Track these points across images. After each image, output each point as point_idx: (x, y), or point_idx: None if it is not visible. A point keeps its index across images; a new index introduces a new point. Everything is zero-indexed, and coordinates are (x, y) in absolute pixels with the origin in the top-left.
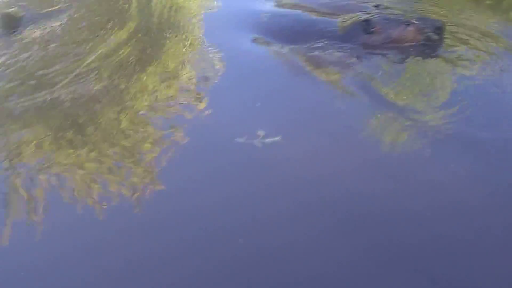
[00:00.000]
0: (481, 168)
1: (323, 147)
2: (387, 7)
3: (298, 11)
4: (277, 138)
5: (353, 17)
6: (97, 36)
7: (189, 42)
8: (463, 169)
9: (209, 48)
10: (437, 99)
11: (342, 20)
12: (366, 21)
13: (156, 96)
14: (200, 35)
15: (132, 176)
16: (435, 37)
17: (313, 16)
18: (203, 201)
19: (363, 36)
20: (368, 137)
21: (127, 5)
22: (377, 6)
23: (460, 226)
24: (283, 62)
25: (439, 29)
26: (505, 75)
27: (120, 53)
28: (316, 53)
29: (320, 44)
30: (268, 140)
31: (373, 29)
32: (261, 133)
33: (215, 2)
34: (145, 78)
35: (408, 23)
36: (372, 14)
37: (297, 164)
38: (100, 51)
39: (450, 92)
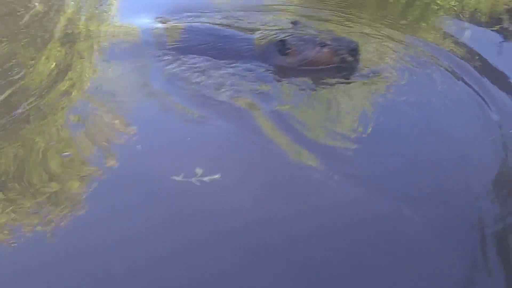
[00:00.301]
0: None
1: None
2: (304, 26)
3: (214, 26)
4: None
5: (269, 35)
6: None
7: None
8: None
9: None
10: (345, 125)
11: (259, 38)
12: (282, 41)
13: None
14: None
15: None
16: (350, 58)
17: (230, 32)
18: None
19: (279, 57)
20: (293, 168)
21: None
22: (294, 23)
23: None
24: (194, 91)
25: (354, 51)
26: (417, 95)
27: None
28: (232, 79)
29: (237, 66)
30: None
31: (289, 50)
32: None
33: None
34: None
35: (323, 44)
36: (288, 34)
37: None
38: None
39: (359, 118)
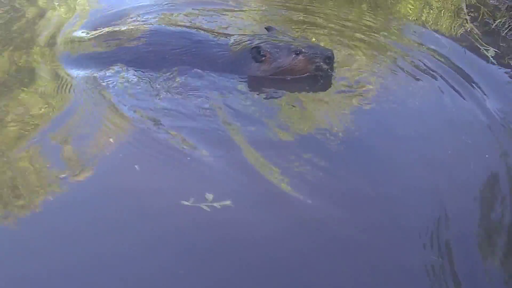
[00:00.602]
0: None
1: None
2: (278, 32)
3: (185, 29)
4: None
5: (243, 41)
6: None
7: None
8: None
9: None
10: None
11: (234, 43)
12: (256, 48)
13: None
14: None
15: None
16: (325, 66)
17: (203, 36)
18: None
19: (253, 65)
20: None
21: None
22: (268, 29)
23: None
24: (170, 109)
25: (329, 59)
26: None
27: None
28: (208, 92)
29: (211, 76)
30: None
31: (263, 57)
32: None
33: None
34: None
35: (298, 52)
36: (262, 40)
37: None
38: None
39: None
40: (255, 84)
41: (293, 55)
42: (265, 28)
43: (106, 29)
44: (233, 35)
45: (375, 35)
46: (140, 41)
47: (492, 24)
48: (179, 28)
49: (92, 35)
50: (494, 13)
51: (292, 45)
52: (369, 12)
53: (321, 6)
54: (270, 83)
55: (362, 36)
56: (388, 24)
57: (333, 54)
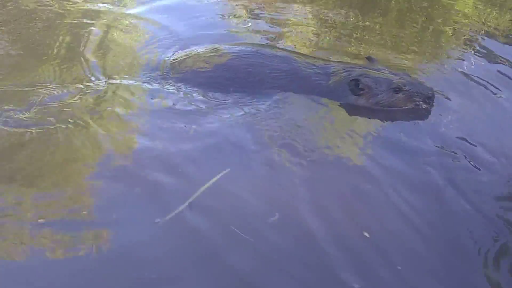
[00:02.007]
0: None
1: None
2: (379, 63)
3: (286, 52)
4: None
5: (343, 71)
6: None
7: None
8: None
9: None
10: None
11: (333, 73)
12: (355, 80)
13: None
14: None
15: None
16: (425, 106)
17: (304, 62)
18: None
19: (351, 97)
20: None
21: None
22: (369, 59)
23: None
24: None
25: (429, 99)
26: None
27: None
28: (305, 115)
29: (309, 100)
30: None
31: (361, 91)
32: None
33: None
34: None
35: (398, 89)
36: (361, 72)
37: None
38: None
39: None
40: (352, 111)
41: (392, 92)
42: (366, 57)
43: (210, 46)
44: (333, 62)
45: None
46: (241, 61)
47: None
48: (280, 52)
49: (194, 52)
50: None
51: (392, 80)
52: None
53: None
54: (365, 111)
55: None
56: None
57: (433, 94)
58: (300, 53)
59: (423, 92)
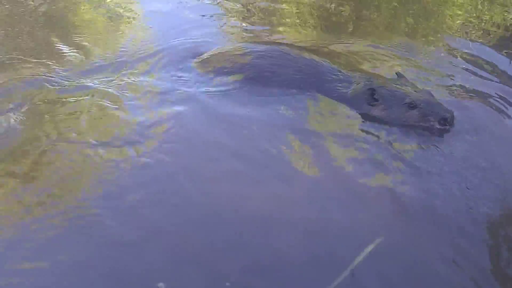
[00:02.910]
0: None
1: None
2: (407, 80)
3: (311, 56)
4: None
5: (364, 80)
6: None
7: None
8: None
9: None
10: None
11: (356, 81)
12: (371, 90)
13: None
14: None
15: None
16: (438, 127)
17: (328, 68)
18: None
19: (365, 106)
20: None
21: None
22: (398, 75)
23: None
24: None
25: (444, 120)
26: None
27: None
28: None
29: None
30: None
31: (375, 102)
32: None
33: None
34: None
35: (412, 106)
36: (381, 83)
37: None
38: None
39: None
40: (362, 119)
41: (406, 108)
42: (395, 73)
43: (237, 45)
44: (358, 72)
45: None
46: (266, 60)
47: None
48: (306, 55)
49: (220, 50)
50: None
51: (409, 95)
52: None
53: None
54: (377, 123)
55: None
56: None
57: (452, 117)
58: (328, 59)
59: (439, 113)
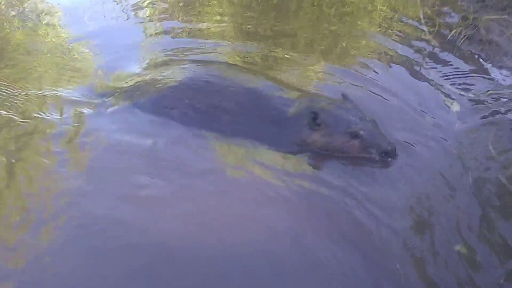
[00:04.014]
0: None
1: None
2: (352, 104)
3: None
4: None
5: (309, 101)
6: None
7: None
8: None
9: None
10: None
11: (298, 99)
12: (314, 113)
13: None
14: None
15: None
16: (378, 159)
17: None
18: None
19: (305, 130)
20: None
21: None
22: (344, 97)
23: None
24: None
25: (386, 154)
26: None
27: None
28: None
29: (264, 129)
30: None
31: (318, 127)
32: None
33: None
34: None
35: (354, 135)
36: (325, 106)
37: None
38: None
39: None
40: (298, 147)
41: (348, 137)
42: (341, 94)
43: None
44: (302, 91)
45: None
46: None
47: (448, 35)
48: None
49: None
50: (449, 24)
51: (353, 123)
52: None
53: None
54: (313, 151)
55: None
56: None
57: (394, 149)
58: (265, 76)
59: (381, 145)
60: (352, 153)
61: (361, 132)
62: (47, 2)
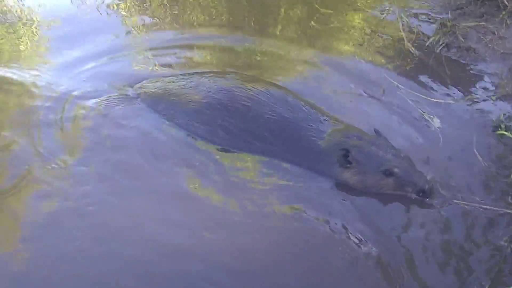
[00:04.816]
0: None
1: None
2: (386, 140)
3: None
4: None
5: (341, 136)
6: None
7: None
8: None
9: None
10: None
11: (330, 135)
12: (345, 151)
13: None
14: None
15: None
16: (415, 197)
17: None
18: None
19: (335, 168)
20: None
21: None
22: (377, 133)
23: None
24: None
25: (423, 193)
26: None
27: None
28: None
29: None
30: None
31: (349, 165)
32: None
33: None
34: None
35: (388, 173)
36: (357, 143)
37: None
38: None
39: None
40: (330, 184)
41: (381, 175)
42: (374, 130)
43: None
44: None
45: None
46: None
47: (426, 42)
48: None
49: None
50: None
51: (385, 161)
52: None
53: None
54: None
55: None
56: None
57: (431, 188)
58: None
59: (418, 184)
60: (387, 190)
61: (395, 170)
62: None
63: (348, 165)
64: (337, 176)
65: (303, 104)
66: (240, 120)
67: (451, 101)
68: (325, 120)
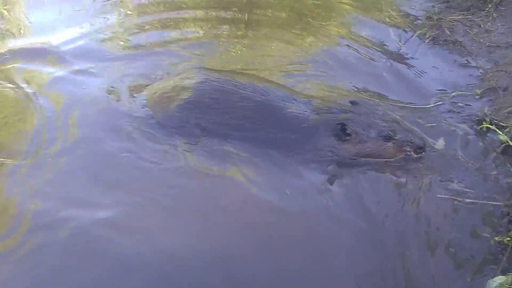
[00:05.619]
0: None
1: None
2: (365, 107)
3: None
4: None
5: (324, 110)
6: None
7: None
8: None
9: None
10: None
11: (316, 109)
12: (341, 125)
13: None
14: None
15: None
16: (415, 156)
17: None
18: None
19: (334, 142)
20: None
21: None
22: (353, 103)
23: None
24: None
25: (421, 149)
26: None
27: None
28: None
29: (283, 143)
30: None
31: (347, 137)
32: None
33: None
34: None
35: (387, 138)
36: (348, 115)
37: None
38: None
39: None
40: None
41: (381, 141)
42: (349, 102)
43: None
44: (313, 98)
45: None
46: (209, 87)
47: (413, 36)
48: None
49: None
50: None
51: (382, 128)
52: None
53: None
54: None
55: None
56: None
57: (425, 143)
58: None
59: (415, 141)
60: (387, 156)
61: (394, 134)
62: None
63: (347, 137)
64: (335, 149)
65: (272, 86)
66: (212, 114)
67: (437, 98)
68: (300, 98)
